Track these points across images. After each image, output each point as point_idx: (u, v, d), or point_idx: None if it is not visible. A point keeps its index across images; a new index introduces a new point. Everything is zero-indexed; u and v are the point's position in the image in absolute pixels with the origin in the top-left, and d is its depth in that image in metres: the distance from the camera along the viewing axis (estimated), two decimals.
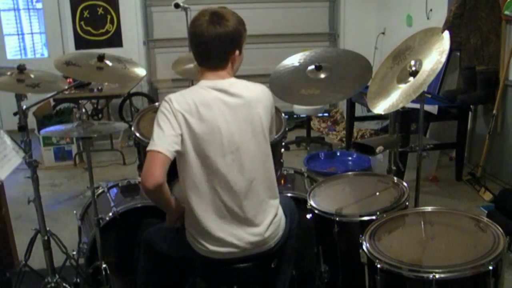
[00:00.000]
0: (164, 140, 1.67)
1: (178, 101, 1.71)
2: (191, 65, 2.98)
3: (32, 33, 6.47)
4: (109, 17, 5.87)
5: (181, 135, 1.70)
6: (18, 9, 6.36)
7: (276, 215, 1.88)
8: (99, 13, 5.84)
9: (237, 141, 1.76)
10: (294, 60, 2.59)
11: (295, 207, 2.08)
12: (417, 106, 2.22)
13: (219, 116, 1.73)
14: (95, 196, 2.34)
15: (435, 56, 2.01)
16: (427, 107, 3.75)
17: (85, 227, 2.61)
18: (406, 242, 1.76)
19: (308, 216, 2.14)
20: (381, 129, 5.42)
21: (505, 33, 3.83)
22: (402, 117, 3.42)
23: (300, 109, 5.00)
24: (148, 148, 1.67)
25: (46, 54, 6.40)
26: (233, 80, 1.82)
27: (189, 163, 1.73)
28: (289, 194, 2.43)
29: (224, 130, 1.73)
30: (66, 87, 2.45)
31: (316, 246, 2.20)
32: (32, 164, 2.27)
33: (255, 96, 1.82)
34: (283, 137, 2.41)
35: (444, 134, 4.63)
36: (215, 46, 1.75)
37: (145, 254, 2.00)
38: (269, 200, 1.87)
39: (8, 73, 2.23)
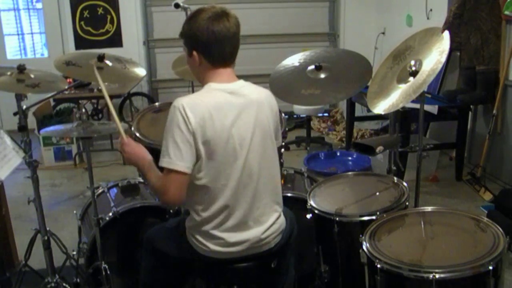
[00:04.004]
0: (182, 157, 1.65)
1: (191, 109, 1.66)
2: None
3: (32, 33, 6.47)
4: (109, 17, 5.87)
5: (195, 144, 1.68)
6: (18, 9, 6.36)
7: (278, 217, 1.88)
8: (99, 13, 5.83)
9: (247, 143, 1.75)
10: (294, 60, 2.59)
11: (294, 218, 2.05)
12: (417, 106, 2.22)
13: (231, 120, 1.72)
14: (95, 196, 2.34)
15: (435, 56, 2.01)
16: (427, 107, 3.75)
17: (85, 227, 2.61)
18: (406, 242, 1.76)
19: (308, 216, 2.14)
20: (381, 129, 5.42)
21: (505, 33, 3.83)
22: (402, 117, 3.42)
23: (300, 109, 5.00)
24: (166, 166, 1.65)
25: (46, 54, 6.41)
26: (242, 82, 1.82)
27: (199, 167, 1.71)
28: (289, 194, 2.43)
29: (235, 133, 1.72)
30: (66, 87, 2.45)
31: (316, 246, 2.20)
32: (32, 164, 2.27)
33: (263, 98, 1.83)
34: (283, 137, 2.40)
35: (444, 134, 4.63)
36: (233, 43, 1.75)
37: (147, 254, 2.00)
38: (273, 204, 1.87)
39: (8, 73, 2.22)
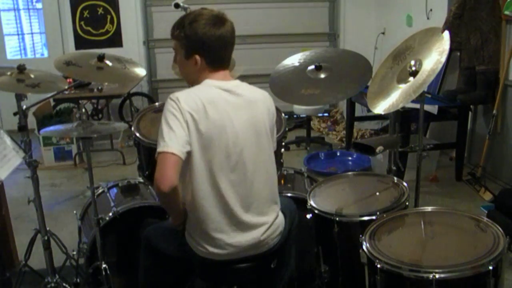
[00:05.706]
0: (176, 141, 1.64)
1: (185, 100, 1.69)
2: None
3: (32, 33, 6.47)
4: (109, 17, 5.87)
5: (189, 135, 1.68)
6: (18, 9, 6.36)
7: (276, 217, 1.88)
8: (99, 13, 5.84)
9: (241, 142, 1.75)
10: (294, 60, 2.60)
11: (296, 208, 2.07)
12: (417, 106, 2.22)
13: (224, 116, 1.72)
14: (95, 196, 2.34)
15: (435, 56, 2.01)
16: (427, 107, 3.75)
17: (85, 227, 2.61)
18: (406, 242, 1.76)
19: (308, 216, 2.14)
20: (381, 129, 5.42)
21: (505, 33, 3.83)
22: (402, 117, 3.43)
23: (300, 109, 5.00)
24: (160, 150, 1.63)
25: (46, 54, 6.40)
26: (238, 82, 1.83)
27: (193, 163, 1.71)
28: (289, 194, 2.43)
29: (229, 130, 1.73)
30: (66, 87, 2.45)
31: (316, 246, 2.20)
32: (32, 164, 2.27)
33: (258, 98, 1.83)
34: (283, 137, 2.40)
35: (444, 134, 4.63)
36: (230, 46, 1.79)
37: (145, 252, 2.00)
38: (270, 203, 1.87)
39: (8, 73, 2.23)
